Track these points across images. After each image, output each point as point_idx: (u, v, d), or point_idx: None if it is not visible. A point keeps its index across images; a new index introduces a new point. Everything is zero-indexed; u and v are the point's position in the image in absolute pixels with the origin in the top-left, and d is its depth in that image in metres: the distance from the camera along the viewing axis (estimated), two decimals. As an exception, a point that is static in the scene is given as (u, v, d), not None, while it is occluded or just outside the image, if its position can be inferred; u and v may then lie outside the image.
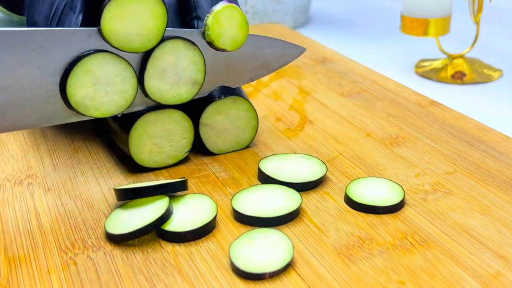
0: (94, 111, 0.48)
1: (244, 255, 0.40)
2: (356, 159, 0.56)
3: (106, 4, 0.46)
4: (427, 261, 0.41)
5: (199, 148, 0.56)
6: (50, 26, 0.54)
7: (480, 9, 0.83)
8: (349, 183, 0.50)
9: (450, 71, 0.84)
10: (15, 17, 1.02)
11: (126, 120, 0.52)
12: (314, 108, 0.68)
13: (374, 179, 0.51)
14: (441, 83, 0.83)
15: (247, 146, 0.58)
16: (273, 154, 0.55)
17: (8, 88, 0.44)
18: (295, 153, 0.56)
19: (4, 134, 0.61)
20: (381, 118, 0.65)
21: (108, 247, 0.43)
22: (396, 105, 0.69)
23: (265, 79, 0.79)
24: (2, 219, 0.47)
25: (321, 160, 0.53)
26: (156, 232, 0.44)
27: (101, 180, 0.52)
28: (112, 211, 0.47)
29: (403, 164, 0.55)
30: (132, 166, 0.54)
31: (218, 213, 0.47)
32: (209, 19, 0.51)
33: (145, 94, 0.51)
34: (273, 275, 0.39)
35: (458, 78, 0.83)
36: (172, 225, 0.44)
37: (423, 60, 0.91)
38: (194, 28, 0.55)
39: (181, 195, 0.48)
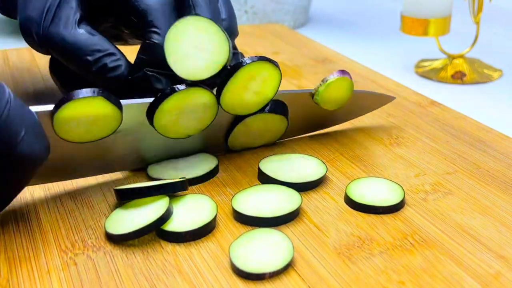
0: (173, 134, 0.51)
1: (244, 255, 0.40)
2: (356, 159, 0.56)
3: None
4: (427, 261, 0.41)
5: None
6: (45, 21, 0.53)
7: (480, 9, 0.83)
8: (349, 183, 0.50)
9: (450, 71, 0.84)
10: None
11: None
12: (314, 108, 0.68)
13: (374, 179, 0.51)
14: (441, 83, 0.83)
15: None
16: (273, 154, 0.55)
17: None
18: (293, 153, 0.56)
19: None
20: (381, 118, 0.65)
21: (108, 247, 0.43)
22: (396, 105, 0.69)
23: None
24: (2, 219, 0.47)
25: (321, 160, 0.53)
26: (156, 232, 0.44)
27: (101, 180, 0.52)
28: (112, 211, 0.47)
29: (403, 164, 0.55)
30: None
31: (218, 213, 0.47)
32: (321, 88, 0.56)
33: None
34: (273, 275, 0.39)
35: (458, 78, 0.83)
36: (172, 225, 0.44)
37: (423, 60, 0.91)
38: None
39: (181, 195, 0.48)
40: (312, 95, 0.57)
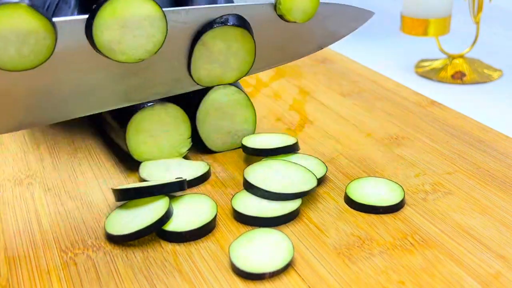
0: (121, 55, 0.47)
1: (244, 255, 0.40)
2: (356, 159, 0.56)
3: None
4: (427, 261, 0.41)
5: (198, 146, 0.57)
6: None
7: (480, 9, 0.83)
8: (349, 183, 0.50)
9: (450, 71, 0.84)
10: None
11: (123, 116, 0.52)
12: (314, 108, 0.68)
13: (374, 179, 0.51)
14: (441, 83, 0.83)
15: None
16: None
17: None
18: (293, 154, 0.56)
19: (4, 134, 0.61)
20: (381, 118, 0.65)
21: (108, 247, 0.43)
22: (396, 105, 0.69)
23: (265, 79, 0.79)
24: (2, 219, 0.47)
25: (321, 160, 0.53)
26: (156, 232, 0.44)
27: (101, 180, 0.52)
28: (112, 211, 0.47)
29: (403, 164, 0.55)
30: (132, 165, 0.54)
31: (218, 213, 0.47)
32: None
33: (191, 75, 0.51)
34: (273, 275, 0.39)
35: (458, 78, 0.83)
36: (172, 225, 0.44)
37: (423, 60, 0.91)
38: None
39: (181, 195, 0.48)
40: (274, 6, 0.53)
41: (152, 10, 0.47)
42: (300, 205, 0.46)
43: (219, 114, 0.56)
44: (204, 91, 0.55)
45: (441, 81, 0.84)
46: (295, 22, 0.54)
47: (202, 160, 0.56)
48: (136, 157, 0.53)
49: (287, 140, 0.55)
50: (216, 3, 0.55)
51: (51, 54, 0.43)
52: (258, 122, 0.63)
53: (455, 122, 0.64)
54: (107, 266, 0.41)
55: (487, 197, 0.49)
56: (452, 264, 0.41)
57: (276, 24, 0.54)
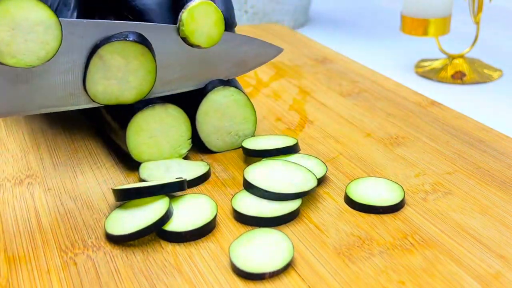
0: (9, 59, 0.45)
1: (244, 255, 0.40)
2: (356, 159, 0.56)
3: None
4: (427, 261, 0.41)
5: (199, 147, 0.57)
6: None
7: (480, 9, 0.83)
8: (349, 183, 0.50)
9: (450, 71, 0.84)
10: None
11: (124, 117, 0.52)
12: (314, 108, 0.68)
13: (374, 179, 0.51)
14: (441, 83, 0.83)
15: None
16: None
17: None
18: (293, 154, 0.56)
19: (4, 134, 0.61)
20: (381, 118, 0.65)
21: (108, 247, 0.43)
22: (396, 105, 0.69)
23: (265, 79, 0.79)
24: (2, 219, 0.47)
25: (321, 160, 0.53)
26: (156, 232, 0.44)
27: (101, 180, 0.52)
28: (112, 211, 0.47)
29: (403, 164, 0.55)
30: (132, 165, 0.54)
31: (218, 213, 0.47)
32: (184, 15, 0.51)
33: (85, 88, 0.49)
34: (273, 275, 0.39)
35: (458, 78, 0.83)
36: (172, 225, 0.44)
37: (423, 60, 0.91)
38: None
39: (181, 195, 0.48)
40: (177, 29, 0.52)
41: (46, 16, 0.46)
42: (300, 205, 0.46)
43: (219, 115, 0.56)
44: (204, 91, 0.55)
45: (441, 81, 0.84)
46: (198, 46, 0.53)
47: (202, 160, 0.56)
48: (136, 157, 0.53)
49: (288, 141, 0.55)
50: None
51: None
52: (258, 122, 0.63)
53: (455, 122, 0.64)
54: (107, 266, 0.41)
55: (487, 197, 0.49)
56: (452, 264, 0.41)
57: (180, 48, 0.52)
